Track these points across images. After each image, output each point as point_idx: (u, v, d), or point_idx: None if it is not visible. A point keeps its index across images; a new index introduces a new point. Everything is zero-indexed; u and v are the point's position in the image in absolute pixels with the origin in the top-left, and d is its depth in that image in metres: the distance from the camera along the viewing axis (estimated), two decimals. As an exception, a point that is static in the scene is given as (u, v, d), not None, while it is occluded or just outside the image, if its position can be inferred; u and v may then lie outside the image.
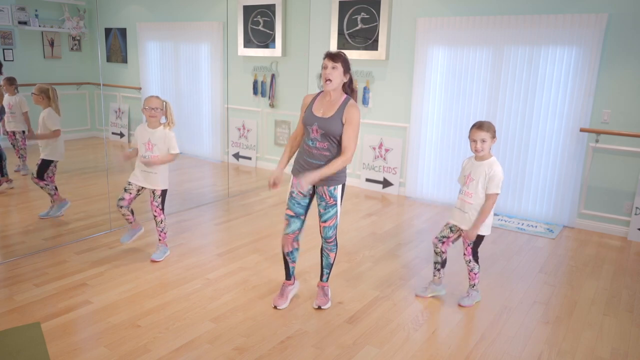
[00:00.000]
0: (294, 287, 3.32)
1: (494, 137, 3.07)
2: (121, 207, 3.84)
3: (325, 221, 3.05)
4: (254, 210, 5.21)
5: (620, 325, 3.14)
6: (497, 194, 3.07)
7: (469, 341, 2.91)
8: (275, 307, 3.18)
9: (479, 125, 3.06)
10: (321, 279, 3.26)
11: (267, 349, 2.76)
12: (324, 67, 2.84)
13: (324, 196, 3.00)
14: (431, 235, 4.60)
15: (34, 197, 5.11)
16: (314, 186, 3.05)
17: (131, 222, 3.96)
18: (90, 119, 6.05)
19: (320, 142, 2.91)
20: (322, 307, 3.19)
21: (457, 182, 3.42)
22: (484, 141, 3.05)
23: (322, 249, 3.20)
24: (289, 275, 3.25)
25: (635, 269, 4.01)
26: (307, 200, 3.06)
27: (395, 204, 5.64)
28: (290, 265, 3.22)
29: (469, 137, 3.11)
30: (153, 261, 3.83)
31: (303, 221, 3.11)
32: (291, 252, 3.16)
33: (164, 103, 3.73)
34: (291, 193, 3.03)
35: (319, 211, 3.06)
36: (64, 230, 4.41)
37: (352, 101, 2.93)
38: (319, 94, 3.01)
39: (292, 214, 3.05)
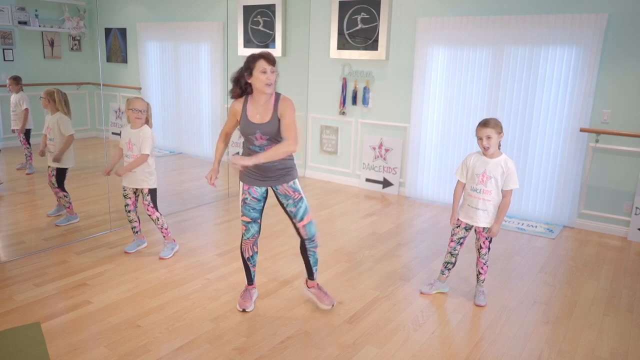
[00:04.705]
0: (256, 291, 3.32)
1: (500, 132, 3.12)
2: (129, 211, 3.90)
3: (301, 219, 3.01)
4: (254, 210, 5.20)
5: (620, 325, 3.14)
6: (514, 188, 3.17)
7: (469, 341, 2.91)
8: (243, 310, 3.14)
9: (484, 123, 3.13)
10: (312, 278, 3.23)
11: (267, 349, 2.76)
12: (264, 72, 2.75)
13: (288, 193, 2.98)
14: (431, 235, 4.61)
15: (36, 197, 5.11)
16: (267, 189, 3.02)
17: (137, 232, 3.97)
18: (90, 119, 6.05)
19: (268, 146, 2.88)
20: (334, 304, 3.18)
21: (454, 175, 3.42)
22: (489, 137, 3.10)
23: (304, 250, 3.13)
24: (251, 280, 3.26)
25: (635, 269, 4.01)
26: (261, 204, 3.05)
27: (395, 204, 5.64)
28: (252, 269, 3.22)
29: (476, 134, 3.16)
30: (161, 259, 3.86)
31: (260, 225, 3.11)
32: (251, 256, 3.17)
33: (148, 105, 3.76)
34: (244, 200, 3.02)
35: (290, 212, 3.01)
36: (64, 230, 4.41)
37: (282, 96, 2.89)
38: (246, 98, 2.89)
39: (248, 220, 3.06)
